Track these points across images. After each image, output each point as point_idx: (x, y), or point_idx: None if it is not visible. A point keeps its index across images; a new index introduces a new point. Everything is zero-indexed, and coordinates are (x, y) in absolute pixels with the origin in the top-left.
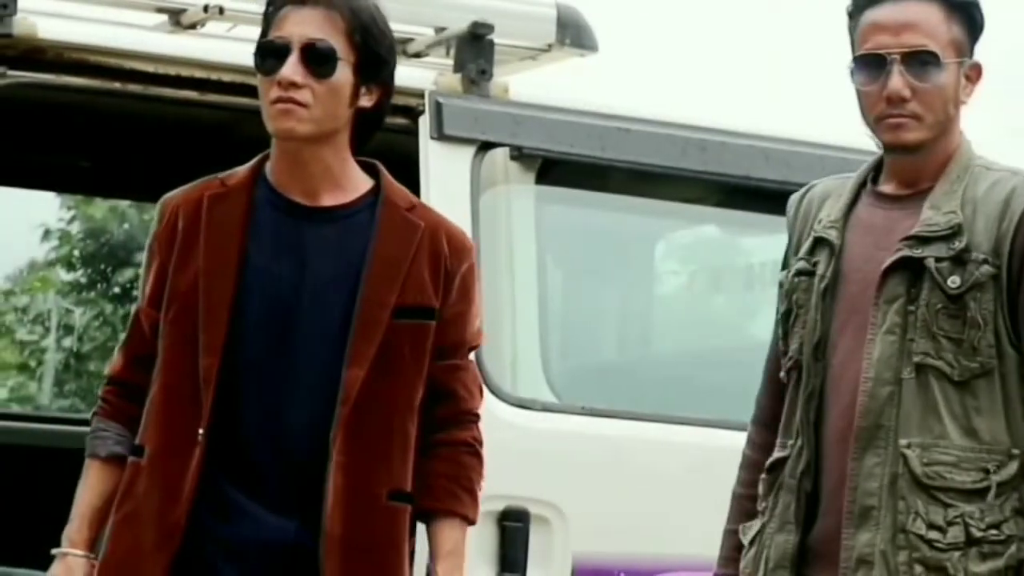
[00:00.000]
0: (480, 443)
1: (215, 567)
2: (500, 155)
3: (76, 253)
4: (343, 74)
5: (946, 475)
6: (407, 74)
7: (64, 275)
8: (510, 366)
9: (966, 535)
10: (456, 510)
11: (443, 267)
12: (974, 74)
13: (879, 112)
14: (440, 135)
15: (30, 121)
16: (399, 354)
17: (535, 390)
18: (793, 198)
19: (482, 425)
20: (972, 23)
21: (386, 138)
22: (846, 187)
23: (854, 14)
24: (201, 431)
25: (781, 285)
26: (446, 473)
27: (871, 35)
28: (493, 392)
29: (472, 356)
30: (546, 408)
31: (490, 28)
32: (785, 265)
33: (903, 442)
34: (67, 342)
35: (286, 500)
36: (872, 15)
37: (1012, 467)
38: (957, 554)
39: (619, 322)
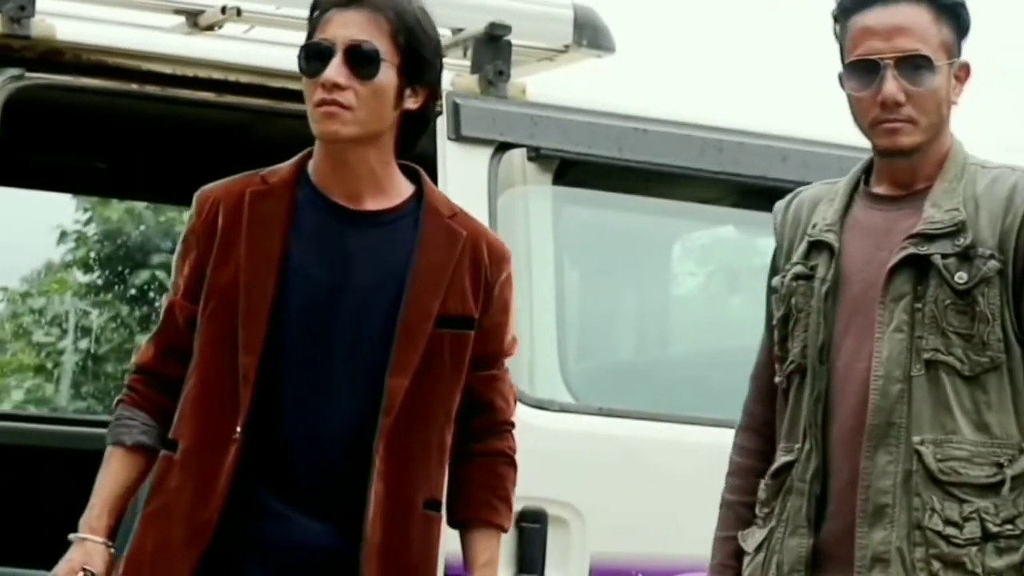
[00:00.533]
0: (515, 452)
1: (244, 567)
2: (517, 156)
3: (93, 255)
4: (387, 76)
5: (961, 470)
6: None
7: (81, 277)
8: (527, 366)
9: (982, 530)
10: (492, 520)
11: (484, 277)
12: (963, 74)
13: (873, 117)
14: (458, 136)
15: (47, 122)
16: (440, 363)
17: (552, 391)
18: (779, 205)
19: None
20: (960, 23)
21: None
22: (836, 191)
23: (840, 18)
24: (238, 429)
25: (775, 290)
26: (484, 484)
27: (862, 40)
28: None
29: (507, 365)
30: (563, 409)
31: (507, 29)
32: (775, 271)
33: (916, 439)
34: (84, 344)
35: (319, 503)
36: (862, 19)
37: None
38: (974, 549)
39: (636, 323)
